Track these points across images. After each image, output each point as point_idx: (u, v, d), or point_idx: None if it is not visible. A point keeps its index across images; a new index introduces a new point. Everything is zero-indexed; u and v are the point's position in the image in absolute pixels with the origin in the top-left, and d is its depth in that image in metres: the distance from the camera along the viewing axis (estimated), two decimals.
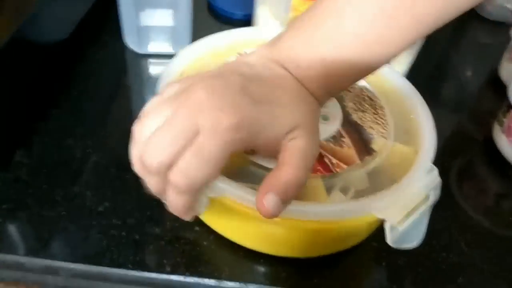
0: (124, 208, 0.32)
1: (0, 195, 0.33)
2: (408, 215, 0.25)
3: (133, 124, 0.24)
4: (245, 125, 0.22)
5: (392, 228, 0.25)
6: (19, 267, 0.30)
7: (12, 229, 0.31)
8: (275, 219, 0.23)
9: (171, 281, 0.29)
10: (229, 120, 0.22)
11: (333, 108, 0.32)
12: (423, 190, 0.26)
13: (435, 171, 0.27)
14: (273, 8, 0.39)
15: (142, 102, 0.41)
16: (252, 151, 0.27)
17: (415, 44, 0.39)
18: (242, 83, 0.24)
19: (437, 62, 0.54)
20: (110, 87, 0.43)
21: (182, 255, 0.30)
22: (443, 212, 0.34)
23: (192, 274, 0.29)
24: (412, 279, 0.30)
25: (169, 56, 0.38)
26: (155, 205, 0.31)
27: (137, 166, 0.24)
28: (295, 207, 0.24)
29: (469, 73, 0.53)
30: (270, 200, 0.22)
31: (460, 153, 0.40)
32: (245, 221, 0.27)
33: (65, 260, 0.29)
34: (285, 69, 0.26)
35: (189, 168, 0.21)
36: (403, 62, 0.43)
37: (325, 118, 0.31)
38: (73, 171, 0.35)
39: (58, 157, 0.36)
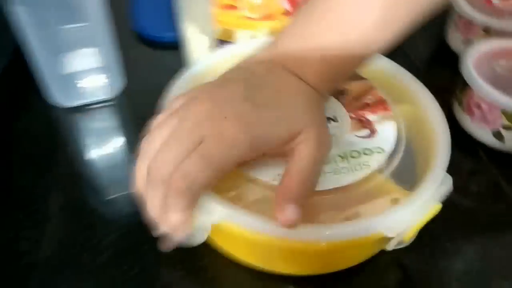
0: None
1: None
2: (416, 230, 0.25)
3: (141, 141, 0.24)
4: (249, 131, 0.23)
5: (400, 243, 0.25)
6: None
7: None
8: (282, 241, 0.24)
9: None
10: (233, 128, 0.22)
11: (336, 108, 0.31)
12: (435, 203, 0.25)
13: (449, 180, 0.26)
14: (198, 24, 0.38)
15: (84, 162, 0.36)
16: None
17: None
18: (245, 90, 0.24)
19: None
20: (44, 155, 0.37)
21: None
22: None
23: None
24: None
25: (107, 101, 0.35)
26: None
27: (140, 182, 0.24)
28: (304, 230, 0.23)
29: (418, 42, 0.52)
30: (289, 213, 0.23)
31: None
32: (251, 243, 0.27)
33: None
34: (287, 69, 0.26)
35: (190, 169, 0.22)
36: None
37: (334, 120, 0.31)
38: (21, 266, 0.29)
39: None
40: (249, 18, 0.36)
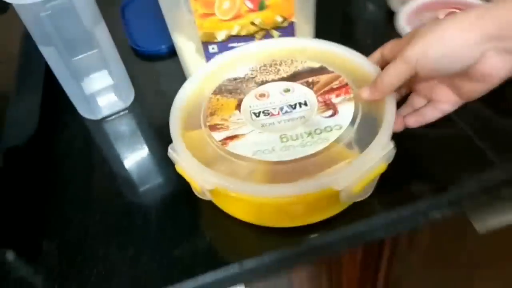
0: None
1: None
2: (364, 185, 0.32)
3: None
4: None
5: (350, 197, 0.33)
6: None
7: None
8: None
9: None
10: None
11: (307, 94, 0.39)
12: (379, 163, 0.32)
13: (391, 145, 0.33)
14: (184, 33, 0.47)
15: (116, 159, 0.47)
16: None
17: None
18: None
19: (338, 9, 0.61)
20: (82, 160, 0.47)
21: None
22: None
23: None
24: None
25: (123, 110, 0.46)
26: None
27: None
28: (271, 188, 0.32)
29: (371, 9, 0.61)
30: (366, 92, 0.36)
31: None
32: (239, 203, 0.35)
33: None
34: None
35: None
36: (308, 22, 0.49)
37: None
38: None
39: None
40: (223, 20, 0.44)
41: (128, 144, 0.49)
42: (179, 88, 0.42)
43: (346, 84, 0.39)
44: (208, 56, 0.48)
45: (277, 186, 0.32)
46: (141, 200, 0.43)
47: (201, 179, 0.34)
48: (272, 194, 0.32)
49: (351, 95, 0.38)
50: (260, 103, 0.40)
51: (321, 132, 0.36)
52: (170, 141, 0.37)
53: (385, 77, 0.35)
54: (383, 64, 0.38)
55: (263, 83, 0.42)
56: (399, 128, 0.38)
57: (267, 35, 0.47)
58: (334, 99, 0.38)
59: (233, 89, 0.41)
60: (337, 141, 0.35)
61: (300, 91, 0.40)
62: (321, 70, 0.41)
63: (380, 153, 0.33)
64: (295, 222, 0.37)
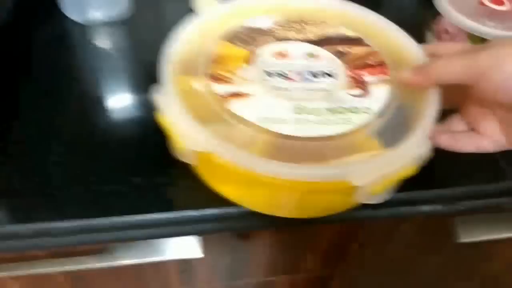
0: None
1: None
2: (387, 186, 0.26)
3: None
4: None
5: (366, 196, 0.26)
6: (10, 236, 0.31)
7: None
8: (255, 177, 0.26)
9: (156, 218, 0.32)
10: None
11: (334, 64, 0.32)
12: (410, 164, 0.26)
13: (427, 145, 0.27)
14: None
15: (92, 73, 0.41)
16: None
17: None
18: None
19: None
20: (56, 62, 0.41)
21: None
22: None
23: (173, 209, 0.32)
24: None
25: (115, 22, 0.39)
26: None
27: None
28: (273, 165, 0.25)
29: None
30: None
31: None
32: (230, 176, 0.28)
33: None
34: None
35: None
36: None
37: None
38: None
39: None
40: None
41: (111, 63, 0.42)
42: (184, 13, 0.34)
43: (383, 63, 0.32)
44: None
45: (282, 164, 0.25)
46: (106, 138, 0.36)
47: (189, 137, 0.27)
48: (272, 171, 0.25)
49: (387, 77, 0.31)
50: (277, 63, 0.32)
51: (344, 112, 0.29)
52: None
53: (439, 64, 0.28)
54: None
55: (284, 40, 0.34)
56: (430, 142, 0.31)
57: None
58: (366, 77, 0.31)
59: (247, 39, 0.34)
60: (362, 126, 0.28)
61: (326, 59, 0.33)
62: (356, 41, 0.34)
63: (413, 151, 0.27)
64: (287, 213, 0.30)
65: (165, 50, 0.31)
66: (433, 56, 0.32)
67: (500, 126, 0.29)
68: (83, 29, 0.45)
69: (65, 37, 0.44)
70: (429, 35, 0.44)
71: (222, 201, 0.31)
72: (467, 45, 0.31)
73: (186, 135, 0.27)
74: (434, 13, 0.42)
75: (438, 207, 0.35)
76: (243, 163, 0.26)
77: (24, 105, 0.38)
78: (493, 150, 0.31)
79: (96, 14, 0.44)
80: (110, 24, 0.45)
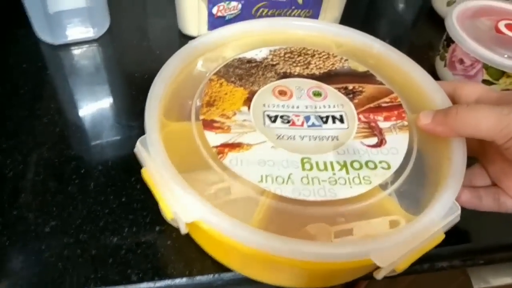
0: (73, 224, 0.28)
1: None
2: (412, 261, 0.22)
3: None
4: None
5: (388, 273, 0.22)
6: None
7: None
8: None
9: None
10: None
11: (345, 107, 0.28)
12: (437, 233, 0.22)
13: (457, 210, 0.23)
14: None
15: (68, 99, 0.37)
16: None
17: None
18: None
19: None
20: (30, 89, 0.37)
21: (146, 261, 0.28)
22: None
23: (162, 277, 0.27)
24: None
25: (89, 42, 0.35)
26: (107, 213, 0.29)
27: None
28: (278, 243, 0.21)
29: (402, 6, 0.52)
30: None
31: None
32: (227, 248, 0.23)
33: None
34: None
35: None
36: (336, 7, 0.41)
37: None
38: (8, 192, 0.30)
39: None
40: None
41: (87, 85, 0.38)
42: (167, 32, 0.31)
43: (399, 104, 0.29)
44: (212, 2, 0.37)
45: (288, 241, 0.21)
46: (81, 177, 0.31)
47: (176, 202, 0.22)
48: (275, 249, 0.21)
49: (405, 122, 0.28)
50: (279, 104, 0.28)
51: (359, 167, 0.25)
52: (142, 98, 0.26)
53: (465, 111, 0.24)
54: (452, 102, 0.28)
55: (286, 76, 0.30)
56: None
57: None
58: (382, 122, 0.28)
59: (244, 75, 0.30)
60: (382, 186, 0.24)
61: (335, 99, 0.29)
62: (367, 77, 0.30)
63: (441, 219, 0.23)
64: (293, 284, 0.26)
65: (151, 92, 0.27)
66: (452, 96, 0.29)
67: None
68: (56, 50, 0.40)
69: (37, 60, 0.40)
70: (440, 64, 0.41)
71: (217, 267, 0.27)
72: (493, 91, 0.27)
73: (173, 199, 0.22)
74: (447, 41, 0.39)
75: (455, 262, 0.32)
76: (239, 237, 0.21)
77: None
78: None
79: (70, 34, 0.40)
80: (85, 43, 0.41)
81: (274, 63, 0.31)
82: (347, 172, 0.24)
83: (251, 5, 0.38)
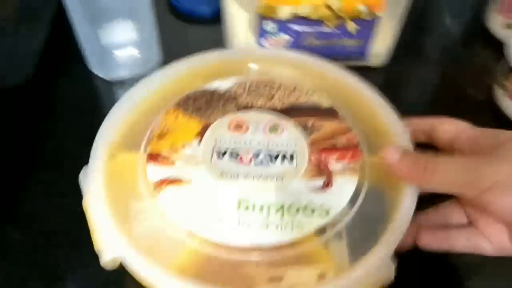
0: None
1: None
2: None
3: None
4: None
5: None
6: None
7: None
8: None
9: None
10: None
11: (297, 145, 0.27)
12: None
13: (391, 268, 0.22)
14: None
15: None
16: None
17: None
18: None
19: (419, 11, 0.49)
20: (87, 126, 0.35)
21: None
22: None
23: None
24: None
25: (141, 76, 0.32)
26: None
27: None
28: None
29: (450, 21, 0.50)
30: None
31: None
32: None
33: None
34: None
35: None
36: (388, 36, 0.40)
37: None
38: None
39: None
40: None
41: None
42: None
43: (356, 144, 0.27)
44: (262, 35, 0.38)
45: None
46: None
47: (104, 238, 0.23)
48: None
49: (357, 164, 0.26)
50: (232, 138, 0.28)
51: (297, 211, 0.24)
52: None
53: (432, 167, 0.23)
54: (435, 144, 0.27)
55: (246, 108, 0.30)
56: (407, 244, 0.26)
57: (341, 26, 0.37)
58: (333, 163, 0.26)
59: (204, 107, 0.30)
60: (316, 233, 0.23)
61: (290, 136, 0.28)
62: (329, 113, 0.29)
63: (373, 274, 0.21)
64: None
65: (106, 120, 0.28)
66: (429, 132, 0.27)
67: (509, 232, 0.24)
68: (110, 86, 0.41)
69: (92, 94, 0.41)
70: (499, 93, 0.38)
71: None
72: (472, 128, 0.25)
73: (102, 235, 0.23)
74: (507, 68, 0.36)
75: None
76: (154, 279, 0.21)
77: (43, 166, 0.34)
78: (493, 254, 0.25)
79: (123, 72, 0.40)
80: (137, 78, 0.38)
81: (237, 94, 0.31)
82: (282, 216, 0.24)
83: (302, 36, 0.39)
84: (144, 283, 0.22)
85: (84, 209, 0.24)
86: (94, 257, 0.23)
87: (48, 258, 0.29)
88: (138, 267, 0.21)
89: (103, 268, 0.22)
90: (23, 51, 0.42)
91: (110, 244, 0.22)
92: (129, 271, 0.22)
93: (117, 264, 0.23)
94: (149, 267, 0.21)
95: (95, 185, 0.24)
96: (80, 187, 0.25)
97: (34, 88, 0.40)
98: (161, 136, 0.28)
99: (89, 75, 0.41)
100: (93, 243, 0.23)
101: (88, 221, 0.24)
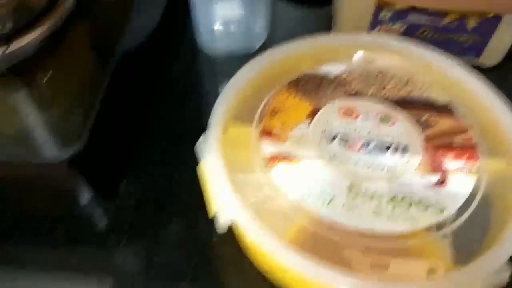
0: None
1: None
2: None
3: None
4: None
5: None
6: None
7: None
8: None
9: None
10: None
11: (412, 138, 0.27)
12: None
13: (507, 272, 0.21)
14: None
15: None
16: None
17: None
18: None
19: None
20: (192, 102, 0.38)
21: None
22: None
23: None
24: None
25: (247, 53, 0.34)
26: None
27: None
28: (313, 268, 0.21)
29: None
30: None
31: None
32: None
33: None
34: None
35: None
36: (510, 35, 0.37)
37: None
38: None
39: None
40: None
41: None
42: None
43: (474, 148, 0.26)
44: (374, 24, 0.37)
45: (319, 267, 0.21)
46: None
47: (219, 200, 0.24)
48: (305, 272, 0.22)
49: (476, 165, 0.25)
50: (342, 123, 0.28)
51: (409, 205, 0.24)
52: None
53: None
54: None
55: (356, 95, 0.30)
56: None
57: (461, 21, 0.35)
58: (449, 162, 0.26)
59: (312, 90, 0.30)
60: (428, 229, 0.23)
61: (402, 128, 0.28)
62: (445, 110, 0.28)
63: (484, 277, 0.21)
64: None
65: (222, 92, 0.29)
66: None
67: None
68: (217, 62, 0.42)
69: (201, 70, 0.42)
70: None
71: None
72: None
73: (217, 197, 0.24)
74: None
75: None
76: (269, 247, 0.22)
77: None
78: None
79: (232, 48, 0.41)
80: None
81: (347, 81, 0.30)
82: (394, 207, 0.24)
83: (416, 28, 0.37)
84: (252, 250, 0.23)
85: (200, 174, 0.26)
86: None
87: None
88: (253, 232, 0.22)
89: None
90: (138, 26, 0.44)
91: (227, 208, 0.23)
92: (239, 236, 0.23)
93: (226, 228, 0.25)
94: (264, 233, 0.22)
95: (214, 153, 0.26)
96: (196, 155, 0.27)
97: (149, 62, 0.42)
98: (273, 113, 0.28)
99: (196, 50, 0.42)
100: (208, 206, 0.25)
101: (203, 186, 0.25)
